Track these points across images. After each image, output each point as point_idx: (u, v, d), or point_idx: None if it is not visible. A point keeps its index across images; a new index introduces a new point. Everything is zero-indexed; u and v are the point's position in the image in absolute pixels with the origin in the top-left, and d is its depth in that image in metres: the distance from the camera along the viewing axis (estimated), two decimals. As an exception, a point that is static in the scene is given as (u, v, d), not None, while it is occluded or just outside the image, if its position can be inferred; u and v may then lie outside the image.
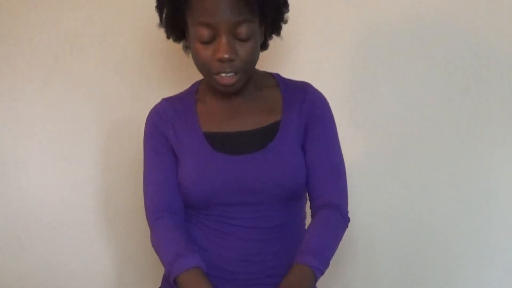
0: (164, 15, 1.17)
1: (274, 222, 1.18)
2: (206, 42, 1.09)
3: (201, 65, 1.13)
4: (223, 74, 1.11)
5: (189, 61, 1.20)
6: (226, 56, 1.08)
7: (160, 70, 1.63)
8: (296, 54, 1.57)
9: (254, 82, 1.22)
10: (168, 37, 1.21)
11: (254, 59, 1.14)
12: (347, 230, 1.21)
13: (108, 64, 1.66)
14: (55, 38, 1.66)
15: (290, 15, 1.22)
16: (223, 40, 1.08)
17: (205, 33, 1.08)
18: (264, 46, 1.24)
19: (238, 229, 1.17)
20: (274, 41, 1.26)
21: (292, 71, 1.43)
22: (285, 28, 1.23)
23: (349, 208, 1.22)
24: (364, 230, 1.59)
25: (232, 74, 1.11)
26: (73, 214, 1.73)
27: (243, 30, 1.08)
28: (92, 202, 1.72)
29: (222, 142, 1.18)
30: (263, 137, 1.17)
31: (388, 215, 1.59)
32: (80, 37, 1.65)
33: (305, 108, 1.20)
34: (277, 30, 1.22)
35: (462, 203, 1.55)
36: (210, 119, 1.21)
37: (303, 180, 1.18)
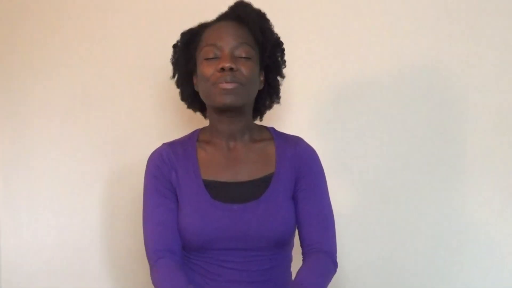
0: (177, 70, 1.32)
1: (264, 266, 1.24)
2: (211, 59, 1.23)
3: (205, 80, 1.23)
4: (224, 83, 1.21)
5: (195, 114, 1.35)
6: (227, 65, 1.20)
7: (166, 122, 1.69)
8: (289, 107, 1.62)
9: (250, 134, 1.31)
10: (179, 89, 1.34)
11: (252, 77, 1.24)
12: (336, 277, 1.27)
13: (116, 116, 1.71)
14: (65, 92, 1.73)
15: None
16: (226, 53, 1.22)
17: (211, 51, 1.23)
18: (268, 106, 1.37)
19: (230, 271, 1.23)
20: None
21: (286, 125, 1.56)
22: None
23: (339, 256, 1.29)
24: (352, 277, 1.62)
25: (233, 82, 1.21)
26: (77, 255, 1.75)
27: (243, 51, 1.23)
28: (98, 244, 1.75)
29: (219, 191, 1.24)
30: (257, 188, 1.25)
31: (376, 262, 1.61)
32: (89, 92, 1.71)
33: (296, 161, 1.29)
34: (276, 70, 1.33)
35: (449, 246, 1.58)
36: (210, 167, 1.27)
37: (292, 230, 1.27)
